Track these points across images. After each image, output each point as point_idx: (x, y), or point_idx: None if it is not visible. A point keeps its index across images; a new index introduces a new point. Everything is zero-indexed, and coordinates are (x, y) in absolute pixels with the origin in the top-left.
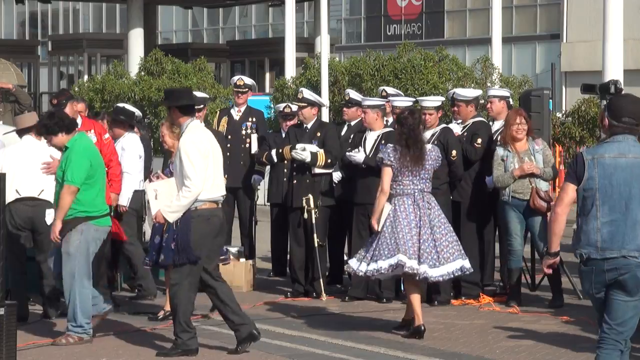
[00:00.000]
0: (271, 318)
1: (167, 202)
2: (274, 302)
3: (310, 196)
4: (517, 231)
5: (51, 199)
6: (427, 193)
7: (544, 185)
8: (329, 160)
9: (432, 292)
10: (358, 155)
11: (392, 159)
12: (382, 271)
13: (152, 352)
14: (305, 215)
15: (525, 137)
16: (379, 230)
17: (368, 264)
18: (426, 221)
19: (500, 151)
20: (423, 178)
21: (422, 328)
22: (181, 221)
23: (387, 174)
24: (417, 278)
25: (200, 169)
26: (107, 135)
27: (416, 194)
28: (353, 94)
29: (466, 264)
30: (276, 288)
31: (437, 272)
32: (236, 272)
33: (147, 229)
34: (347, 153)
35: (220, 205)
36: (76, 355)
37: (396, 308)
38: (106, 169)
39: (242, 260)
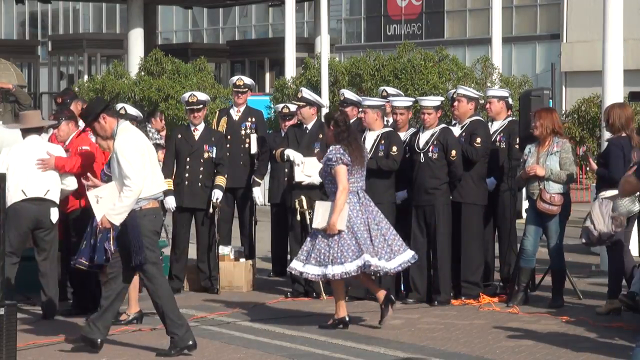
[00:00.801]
0: (271, 318)
1: (110, 205)
2: (274, 302)
3: (303, 197)
4: (530, 231)
5: (56, 198)
6: (364, 190)
7: (555, 188)
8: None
9: (432, 292)
10: None
11: (347, 157)
12: (352, 274)
13: (152, 352)
14: (298, 217)
15: (546, 136)
16: (342, 230)
17: (329, 266)
18: (371, 217)
19: (526, 149)
20: (362, 175)
21: (347, 319)
22: (129, 223)
23: (345, 172)
24: (379, 274)
25: (138, 167)
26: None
27: (359, 191)
28: (348, 94)
29: (412, 252)
30: (276, 288)
31: (393, 265)
32: (236, 272)
33: None
34: None
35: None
36: (76, 356)
37: (396, 308)
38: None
39: (242, 260)
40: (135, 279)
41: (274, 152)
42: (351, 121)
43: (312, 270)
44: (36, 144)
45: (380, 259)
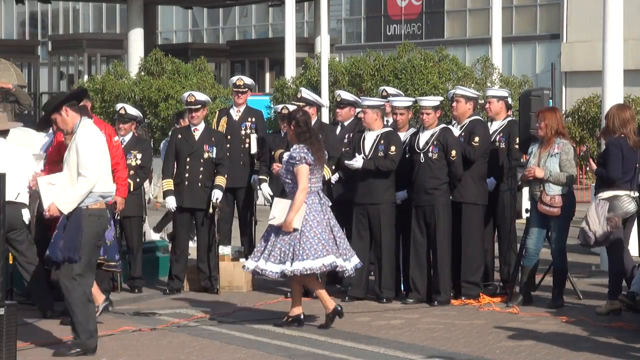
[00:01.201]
0: (271, 318)
1: (62, 194)
2: (274, 302)
3: None
4: (533, 231)
5: (26, 200)
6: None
7: (555, 190)
8: (333, 167)
9: (432, 292)
10: (357, 163)
11: (311, 156)
12: (315, 270)
13: (152, 352)
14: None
15: (549, 137)
16: (298, 229)
17: (287, 262)
18: (330, 218)
19: (529, 150)
20: (321, 175)
21: (302, 316)
22: (71, 219)
23: (307, 172)
24: (343, 275)
25: (96, 160)
26: (116, 138)
27: (319, 191)
28: (344, 94)
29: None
30: (276, 288)
31: (349, 265)
32: (236, 272)
33: (148, 229)
34: (346, 161)
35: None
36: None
37: (396, 308)
38: (113, 172)
39: (242, 260)
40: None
41: (272, 152)
42: (349, 121)
43: (272, 268)
44: (4, 148)
45: (345, 260)
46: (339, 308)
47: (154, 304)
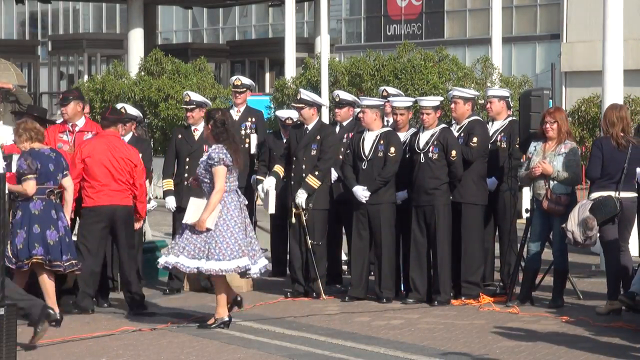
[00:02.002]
0: (271, 318)
1: None
2: (274, 302)
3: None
4: (535, 232)
5: None
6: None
7: (562, 188)
8: (318, 173)
9: (432, 292)
10: (364, 198)
11: (229, 157)
12: (229, 272)
13: (152, 352)
14: (293, 220)
15: (556, 136)
16: (211, 229)
17: (203, 260)
18: (246, 216)
19: (531, 147)
20: (237, 174)
21: (227, 319)
22: None
23: (224, 173)
24: (247, 276)
25: None
26: None
27: (237, 189)
28: (343, 95)
29: (266, 260)
30: (276, 288)
31: (256, 268)
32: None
33: (147, 229)
34: (356, 194)
35: None
36: (76, 355)
37: (396, 308)
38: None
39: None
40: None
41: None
42: (348, 121)
43: (185, 262)
44: None
45: (255, 263)
46: (226, 319)
47: (154, 304)
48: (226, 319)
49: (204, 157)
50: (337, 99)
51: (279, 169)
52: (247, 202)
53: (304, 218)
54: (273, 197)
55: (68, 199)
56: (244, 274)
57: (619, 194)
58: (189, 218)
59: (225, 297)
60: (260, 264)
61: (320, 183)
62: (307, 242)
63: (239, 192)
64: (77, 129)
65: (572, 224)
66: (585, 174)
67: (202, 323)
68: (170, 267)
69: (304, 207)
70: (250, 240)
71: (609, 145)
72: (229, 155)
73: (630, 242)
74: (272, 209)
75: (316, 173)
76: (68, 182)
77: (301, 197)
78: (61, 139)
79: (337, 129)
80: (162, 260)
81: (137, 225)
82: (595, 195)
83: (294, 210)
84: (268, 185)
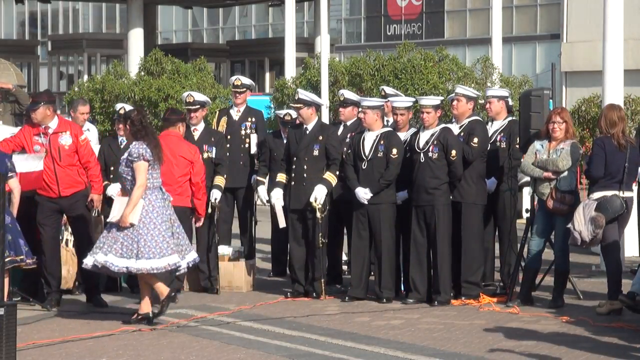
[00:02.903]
0: (271, 318)
1: None
2: (274, 302)
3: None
4: (537, 231)
5: None
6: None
7: (565, 187)
8: (337, 173)
9: (432, 292)
10: (364, 199)
11: (149, 153)
12: (159, 270)
13: (152, 352)
14: (318, 214)
15: (563, 136)
16: (135, 224)
17: (132, 259)
18: (172, 213)
19: (537, 144)
20: (160, 171)
21: (151, 314)
22: None
23: (145, 168)
24: (178, 272)
25: None
26: (83, 137)
27: (161, 186)
28: (348, 94)
29: (195, 253)
30: (276, 288)
31: (184, 263)
32: (236, 272)
33: None
34: (358, 195)
35: None
36: (76, 355)
37: (396, 308)
38: (85, 170)
39: (242, 260)
40: None
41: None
42: (352, 121)
43: (114, 261)
44: None
45: (183, 258)
46: (150, 315)
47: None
48: (150, 314)
49: (125, 155)
50: (341, 98)
51: (282, 177)
52: (171, 199)
53: (321, 215)
54: (281, 211)
55: (14, 200)
56: (174, 271)
57: (623, 193)
58: (113, 216)
59: (148, 298)
60: (188, 258)
61: (336, 180)
62: (318, 240)
63: (163, 190)
64: (50, 130)
65: (579, 224)
66: (586, 173)
67: (126, 319)
68: (99, 266)
69: (321, 204)
70: (179, 235)
71: (610, 145)
72: (148, 151)
73: (630, 242)
74: (282, 224)
75: (336, 172)
76: (14, 184)
77: (322, 193)
78: (37, 142)
79: (341, 128)
80: (89, 261)
81: (198, 224)
82: (598, 195)
83: (317, 206)
84: (275, 198)
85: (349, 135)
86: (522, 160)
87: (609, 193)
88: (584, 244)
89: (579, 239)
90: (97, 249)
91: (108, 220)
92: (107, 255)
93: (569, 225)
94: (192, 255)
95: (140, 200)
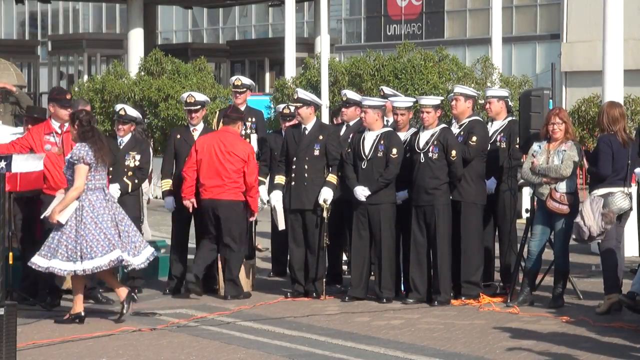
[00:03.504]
0: (271, 318)
1: None
2: (274, 302)
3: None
4: (536, 232)
5: None
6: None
7: (564, 188)
8: (339, 174)
9: (432, 292)
10: (362, 197)
11: (91, 156)
12: (103, 268)
13: (152, 352)
14: (325, 214)
15: (563, 137)
16: (62, 223)
17: (77, 262)
18: (116, 214)
19: (535, 146)
20: (106, 172)
21: (83, 314)
22: None
23: (84, 171)
24: (127, 269)
25: None
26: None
27: (104, 187)
28: (350, 94)
29: (152, 248)
30: (276, 288)
31: (138, 260)
32: None
33: (147, 229)
34: (356, 193)
35: None
36: (76, 355)
37: (396, 308)
38: None
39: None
40: None
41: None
42: (354, 121)
43: (59, 265)
44: None
45: (129, 254)
46: (82, 314)
47: (154, 304)
48: (82, 314)
49: (69, 156)
50: (344, 98)
51: (281, 179)
52: (115, 199)
53: (326, 215)
54: (281, 212)
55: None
56: (125, 267)
57: (628, 190)
58: (46, 212)
59: (81, 296)
60: (143, 256)
61: (337, 181)
62: (323, 240)
63: (106, 190)
64: (64, 129)
65: (590, 220)
66: (593, 172)
67: (58, 318)
68: (43, 270)
69: (328, 204)
70: (128, 233)
71: (616, 142)
72: (90, 154)
73: (631, 242)
74: (282, 226)
75: (338, 173)
76: None
77: (328, 194)
78: (48, 141)
79: (344, 128)
80: (41, 263)
81: (251, 219)
82: (603, 191)
83: (324, 206)
84: (275, 200)
85: (351, 135)
86: (522, 160)
87: (613, 189)
88: (591, 239)
89: (587, 233)
90: (42, 251)
91: (42, 216)
92: (50, 260)
93: (578, 220)
94: (148, 251)
95: (74, 202)
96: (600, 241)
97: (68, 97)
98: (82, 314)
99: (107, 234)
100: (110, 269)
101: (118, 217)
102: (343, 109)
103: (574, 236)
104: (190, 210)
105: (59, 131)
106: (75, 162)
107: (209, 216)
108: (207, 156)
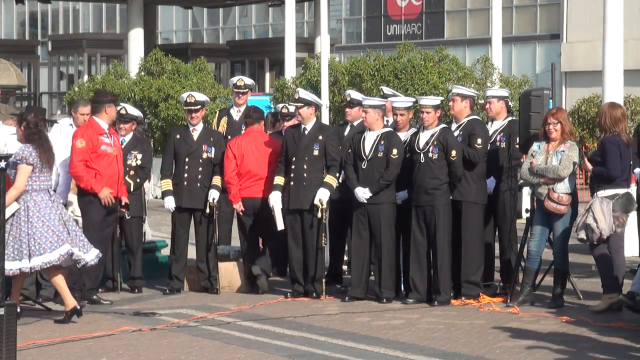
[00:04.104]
0: (271, 318)
1: None
2: (274, 302)
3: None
4: (536, 232)
5: None
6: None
7: (563, 188)
8: (337, 174)
9: (432, 292)
10: (364, 198)
11: (35, 157)
12: (54, 262)
13: (152, 352)
14: (321, 215)
15: (560, 137)
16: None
17: (24, 260)
18: (62, 214)
19: (534, 146)
20: (51, 174)
21: (78, 307)
22: None
23: (26, 172)
24: (80, 264)
25: None
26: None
27: (49, 189)
28: (354, 94)
29: (97, 250)
30: (276, 288)
31: (89, 257)
32: (236, 272)
33: (147, 229)
34: (357, 194)
35: None
36: (76, 355)
37: (396, 308)
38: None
39: (242, 260)
40: None
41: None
42: (358, 121)
43: (6, 265)
44: None
45: (80, 250)
46: (78, 307)
47: (154, 304)
48: (78, 307)
49: (12, 158)
50: (348, 98)
51: (280, 180)
52: (62, 200)
53: (325, 215)
54: (280, 212)
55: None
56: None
57: (630, 190)
58: None
59: (65, 286)
60: (92, 253)
61: (336, 183)
62: (321, 241)
63: (51, 192)
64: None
65: (602, 222)
66: (602, 174)
67: (58, 318)
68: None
69: (324, 205)
70: (75, 232)
71: (622, 143)
72: (34, 155)
73: (631, 242)
74: (280, 226)
75: (335, 174)
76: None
77: (324, 195)
78: (104, 142)
79: (348, 129)
80: (18, 266)
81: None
82: (610, 192)
83: (320, 207)
84: (274, 200)
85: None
86: (522, 160)
87: (620, 191)
88: (601, 240)
89: (598, 235)
90: (13, 254)
91: None
92: None
93: (590, 222)
94: (95, 251)
95: (14, 203)
96: (595, 242)
97: (110, 97)
98: (78, 307)
99: (55, 230)
100: (64, 269)
101: (64, 217)
102: (347, 109)
103: (580, 236)
104: (241, 213)
105: (111, 132)
106: (18, 162)
107: (252, 214)
108: (244, 159)
